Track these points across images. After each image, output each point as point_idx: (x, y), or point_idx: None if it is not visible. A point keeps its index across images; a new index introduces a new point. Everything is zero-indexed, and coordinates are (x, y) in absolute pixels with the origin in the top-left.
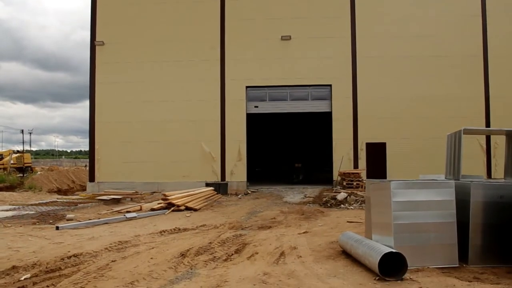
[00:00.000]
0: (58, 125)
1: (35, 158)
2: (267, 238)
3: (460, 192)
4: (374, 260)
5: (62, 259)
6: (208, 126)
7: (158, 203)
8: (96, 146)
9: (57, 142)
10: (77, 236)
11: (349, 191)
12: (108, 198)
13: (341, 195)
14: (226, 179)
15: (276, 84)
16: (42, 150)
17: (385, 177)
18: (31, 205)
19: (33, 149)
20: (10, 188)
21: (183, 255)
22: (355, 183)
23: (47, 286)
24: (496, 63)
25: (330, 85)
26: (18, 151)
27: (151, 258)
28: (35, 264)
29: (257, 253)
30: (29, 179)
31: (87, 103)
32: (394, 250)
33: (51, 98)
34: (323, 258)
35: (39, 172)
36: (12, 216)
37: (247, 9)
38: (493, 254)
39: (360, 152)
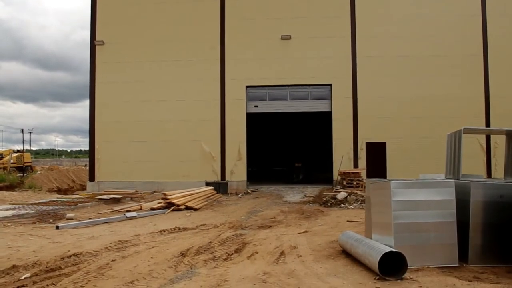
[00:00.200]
0: (58, 125)
1: (35, 158)
2: (267, 237)
3: (460, 192)
4: (374, 260)
5: (62, 258)
6: (208, 125)
7: (158, 203)
8: (96, 146)
9: (57, 141)
10: (77, 236)
11: (349, 191)
12: (108, 198)
13: (341, 195)
14: (226, 179)
15: (276, 84)
16: (42, 149)
17: (385, 176)
18: (31, 204)
19: (33, 148)
20: (10, 187)
21: (183, 254)
22: (355, 183)
23: (47, 285)
24: (496, 63)
25: (330, 85)
26: (18, 151)
27: (151, 258)
28: (35, 263)
29: (257, 252)
30: (29, 178)
31: (87, 102)
32: (394, 250)
33: (51, 97)
34: (323, 258)
35: (39, 172)
36: (12, 215)
37: (247, 8)
38: (493, 254)
39: (360, 151)
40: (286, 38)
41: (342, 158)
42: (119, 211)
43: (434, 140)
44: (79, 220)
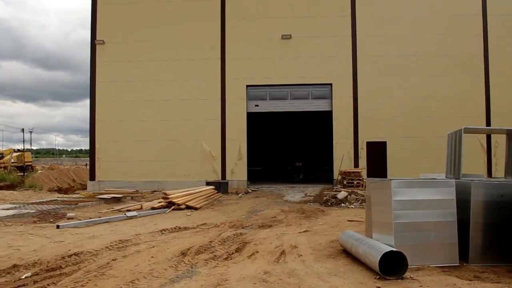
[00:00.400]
0: (59, 124)
1: (35, 157)
2: (268, 237)
3: (461, 191)
4: (374, 259)
5: (63, 257)
6: (209, 125)
7: (159, 202)
8: (97, 145)
9: (57, 141)
10: (78, 235)
11: (350, 190)
12: (109, 197)
13: (342, 194)
14: (227, 178)
15: (276, 83)
16: (43, 149)
17: (385, 176)
18: (32, 203)
19: (34, 148)
20: (11, 187)
21: (183, 254)
22: (355, 182)
23: (48, 284)
24: (497, 62)
25: (331, 84)
26: (18, 150)
27: (152, 257)
28: (36, 262)
29: (257, 252)
30: (29, 178)
31: (87, 102)
32: (394, 249)
33: (51, 97)
34: (323, 257)
35: (39, 171)
36: (13, 214)
37: (248, 8)
38: (493, 253)
39: (361, 151)
40: (286, 37)
41: (342, 158)
42: (119, 211)
43: (434, 140)
44: (80, 220)
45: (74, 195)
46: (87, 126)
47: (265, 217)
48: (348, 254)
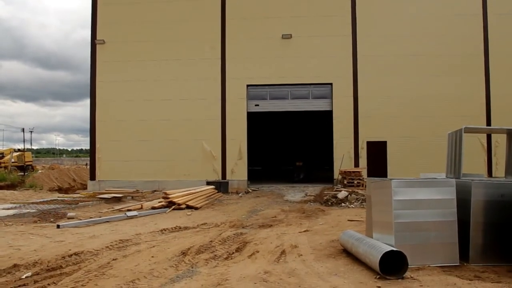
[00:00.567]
0: (59, 124)
1: (36, 157)
2: (268, 236)
3: (461, 191)
4: (375, 259)
5: (63, 257)
6: (209, 124)
7: (159, 202)
8: (97, 145)
9: (58, 140)
10: (78, 235)
11: (350, 190)
12: (109, 197)
13: (342, 194)
14: (227, 178)
15: (276, 83)
16: (43, 148)
17: (385, 175)
18: (32, 203)
19: (34, 147)
20: (11, 186)
21: (184, 253)
22: (355, 182)
23: (48, 284)
24: (497, 62)
25: (331, 84)
26: (19, 150)
27: (152, 257)
28: (36, 262)
29: (258, 251)
30: (30, 177)
31: (88, 101)
32: (394, 249)
33: (52, 96)
34: (324, 257)
35: (40, 171)
36: (13, 214)
37: (248, 7)
38: (494, 253)
39: (361, 150)
40: (287, 37)
41: (343, 157)
42: (120, 210)
43: (434, 139)
44: (80, 219)
45: (75, 195)
46: (88, 125)
47: (265, 217)
48: (348, 253)
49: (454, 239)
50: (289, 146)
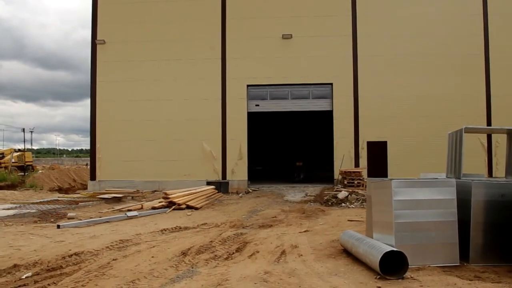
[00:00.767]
0: (59, 124)
1: (36, 157)
2: (268, 236)
3: (461, 191)
4: (375, 259)
5: (63, 257)
6: (209, 124)
7: (159, 202)
8: (97, 145)
9: (58, 140)
10: (78, 235)
11: (350, 190)
12: (109, 197)
13: (342, 194)
14: (227, 178)
15: (277, 83)
16: (43, 148)
17: (386, 175)
18: (32, 203)
19: (34, 147)
20: (11, 186)
21: (184, 253)
22: (356, 182)
23: (48, 284)
24: (497, 62)
25: (331, 84)
26: (19, 150)
27: (152, 257)
28: (36, 262)
29: (258, 251)
30: (30, 177)
31: (88, 101)
32: (395, 249)
33: (52, 96)
34: (324, 257)
35: (40, 171)
36: (14, 214)
37: (248, 7)
38: (494, 253)
39: (361, 150)
40: (287, 37)
41: (343, 157)
42: (120, 210)
43: (434, 139)
44: (80, 219)
45: (75, 195)
46: (88, 126)
47: (265, 217)
48: (348, 254)
49: (455, 239)
50: (289, 146)
